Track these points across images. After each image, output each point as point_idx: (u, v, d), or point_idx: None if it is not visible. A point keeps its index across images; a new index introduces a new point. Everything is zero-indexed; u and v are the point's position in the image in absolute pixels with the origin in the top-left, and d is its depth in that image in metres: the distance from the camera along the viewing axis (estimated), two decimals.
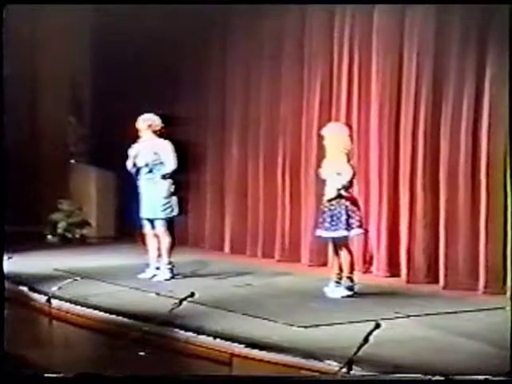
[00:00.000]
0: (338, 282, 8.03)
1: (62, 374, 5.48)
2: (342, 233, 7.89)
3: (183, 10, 10.78)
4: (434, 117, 8.84)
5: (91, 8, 12.26)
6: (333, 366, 5.50)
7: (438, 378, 5.25)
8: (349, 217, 7.87)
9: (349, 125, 8.89)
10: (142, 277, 8.89)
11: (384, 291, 8.38)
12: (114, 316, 7.25)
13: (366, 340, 5.28)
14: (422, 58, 8.92)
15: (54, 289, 7.86)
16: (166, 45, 11.65)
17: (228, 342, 6.23)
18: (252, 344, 6.11)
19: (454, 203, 8.63)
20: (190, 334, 6.53)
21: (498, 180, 8.28)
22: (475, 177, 8.49)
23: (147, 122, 8.93)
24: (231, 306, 7.46)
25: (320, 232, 8.09)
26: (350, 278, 8.01)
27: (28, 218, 11.69)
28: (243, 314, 7.14)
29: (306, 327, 6.66)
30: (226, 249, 11.22)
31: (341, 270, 8.04)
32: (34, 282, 8.51)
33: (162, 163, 8.83)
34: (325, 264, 9.82)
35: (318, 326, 6.72)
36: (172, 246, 8.93)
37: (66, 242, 12.01)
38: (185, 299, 6.86)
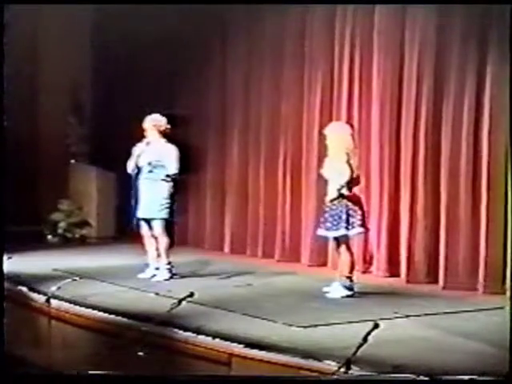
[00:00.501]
0: (341, 281, 8.04)
1: (61, 374, 5.48)
2: (342, 232, 7.90)
3: (183, 10, 10.78)
4: (434, 117, 8.85)
5: (92, 8, 12.27)
6: (332, 366, 5.49)
7: (437, 378, 5.25)
8: (349, 216, 7.87)
9: (351, 124, 8.89)
10: (142, 277, 8.89)
11: (384, 291, 8.38)
12: (113, 316, 7.24)
13: (365, 340, 5.27)
14: (423, 58, 8.93)
15: (54, 289, 7.85)
16: (166, 45, 11.65)
17: (227, 342, 6.22)
18: (251, 344, 6.10)
19: (454, 203, 8.64)
20: (189, 333, 6.52)
21: (498, 181, 8.29)
22: (476, 177, 8.50)
23: (153, 122, 8.93)
24: (230, 305, 7.46)
25: (321, 232, 8.10)
26: (350, 278, 8.01)
27: (28, 218, 11.68)
28: (242, 314, 7.14)
29: (305, 327, 6.66)
30: (226, 249, 11.21)
31: (342, 269, 8.06)
32: (34, 282, 8.50)
33: (163, 166, 8.83)
34: (325, 264, 9.84)
35: (317, 326, 6.71)
36: (170, 247, 8.93)
37: (66, 242, 12.00)
38: (184, 299, 6.84)
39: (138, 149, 8.98)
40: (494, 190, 8.32)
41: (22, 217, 11.14)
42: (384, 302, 7.73)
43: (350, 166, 7.93)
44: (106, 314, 7.32)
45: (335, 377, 5.26)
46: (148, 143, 8.93)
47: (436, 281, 8.74)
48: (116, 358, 6.28)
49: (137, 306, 7.47)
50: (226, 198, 11.26)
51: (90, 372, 5.61)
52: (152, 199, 8.82)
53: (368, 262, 9.52)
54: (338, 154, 7.98)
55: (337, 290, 7.99)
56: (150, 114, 9.05)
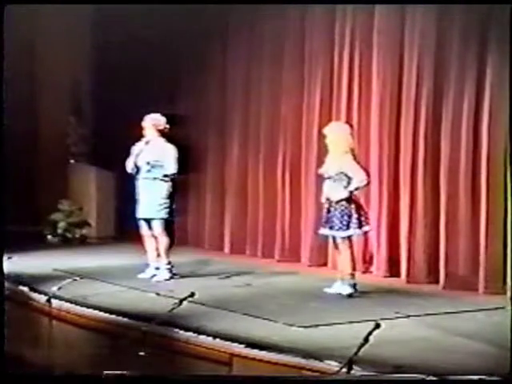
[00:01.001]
0: (343, 280, 8.08)
1: (61, 374, 5.48)
2: (352, 232, 7.99)
3: (183, 10, 10.78)
4: (434, 116, 8.85)
5: (91, 8, 12.26)
6: (333, 366, 5.50)
7: (437, 378, 5.25)
8: (360, 215, 8.01)
9: (350, 124, 8.90)
10: (142, 277, 8.88)
11: (384, 291, 8.39)
12: (113, 316, 7.25)
13: (366, 340, 5.27)
14: (423, 58, 8.93)
15: (54, 289, 7.85)
16: (166, 45, 11.65)
17: (228, 342, 6.23)
18: (252, 344, 6.11)
19: (454, 203, 8.64)
20: (190, 333, 6.52)
21: (498, 180, 8.29)
22: (475, 177, 8.50)
23: (152, 122, 8.94)
24: (231, 306, 7.46)
25: (326, 231, 8.11)
26: (353, 275, 8.07)
27: (28, 218, 11.68)
28: (243, 314, 7.14)
29: (305, 327, 6.66)
30: (226, 249, 11.21)
31: (344, 268, 8.10)
32: (34, 282, 8.50)
33: (162, 166, 8.82)
34: (325, 264, 9.84)
35: (317, 326, 6.72)
36: (170, 247, 8.93)
37: (66, 242, 12.00)
38: (185, 299, 6.85)
39: (137, 148, 8.98)
40: (493, 190, 8.32)
41: (22, 217, 11.13)
42: (384, 302, 7.74)
43: (361, 166, 8.07)
44: (106, 314, 7.32)
45: (336, 377, 5.26)
46: (147, 142, 8.93)
47: (436, 281, 8.74)
48: (117, 357, 6.28)
49: (137, 306, 7.48)
50: (225, 198, 11.26)
51: (91, 372, 5.61)
52: (151, 199, 8.82)
53: (368, 261, 9.52)
54: (339, 154, 8.01)
55: (341, 288, 8.02)
56: (149, 113, 9.05)
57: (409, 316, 7.14)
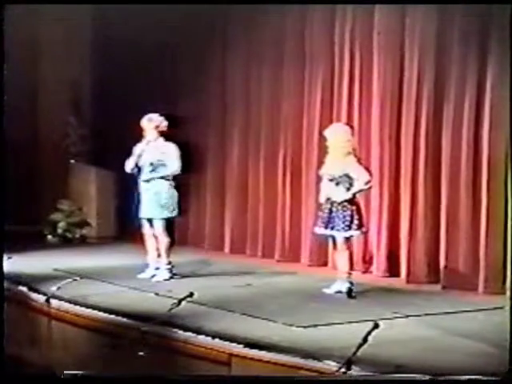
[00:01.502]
0: (341, 279, 8.12)
1: (61, 374, 5.48)
2: (352, 232, 8.05)
3: (183, 10, 10.77)
4: (435, 117, 8.85)
5: (92, 8, 12.26)
6: (332, 366, 5.49)
7: (437, 378, 5.25)
8: (361, 216, 8.10)
9: (350, 125, 8.91)
10: (142, 277, 8.89)
11: (384, 291, 8.39)
12: (113, 316, 7.24)
13: (364, 340, 5.27)
14: (423, 58, 8.93)
15: (54, 289, 7.85)
16: (166, 45, 11.65)
17: (227, 342, 6.22)
18: (251, 344, 6.10)
19: (454, 203, 8.64)
20: (189, 334, 6.52)
21: (498, 181, 8.29)
22: (476, 177, 8.50)
23: (154, 123, 8.93)
24: (230, 306, 7.46)
25: (326, 231, 8.13)
26: (350, 275, 8.12)
27: (28, 218, 11.68)
28: (242, 314, 7.14)
29: (305, 327, 6.66)
30: (226, 249, 11.21)
31: (341, 268, 8.14)
32: (34, 282, 8.50)
33: (165, 165, 8.83)
34: (325, 264, 9.84)
35: (317, 326, 6.72)
36: (170, 247, 8.93)
37: (66, 242, 12.00)
38: (184, 299, 6.85)
39: (138, 149, 8.98)
40: (494, 190, 8.32)
41: (22, 217, 11.13)
42: (384, 302, 7.73)
43: (365, 168, 8.14)
44: (106, 314, 7.32)
45: (335, 377, 5.26)
46: (148, 143, 8.93)
47: (436, 281, 8.74)
48: (116, 358, 6.27)
49: (137, 306, 7.47)
50: (225, 198, 11.26)
51: (91, 372, 5.61)
52: (153, 199, 8.83)
53: (368, 261, 9.52)
54: (340, 156, 8.03)
55: (340, 287, 8.06)
56: (147, 113, 9.06)
57: (408, 316, 7.14)
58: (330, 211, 8.07)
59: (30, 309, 7.94)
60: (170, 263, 8.92)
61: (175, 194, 8.90)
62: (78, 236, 12.20)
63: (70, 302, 7.68)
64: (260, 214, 10.77)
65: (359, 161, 8.17)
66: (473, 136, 8.52)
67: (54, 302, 7.61)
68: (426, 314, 7.22)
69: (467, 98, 8.55)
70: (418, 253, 8.93)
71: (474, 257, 8.45)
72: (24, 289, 8.34)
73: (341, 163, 8.03)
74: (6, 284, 7.52)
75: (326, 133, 8.29)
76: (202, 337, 6.42)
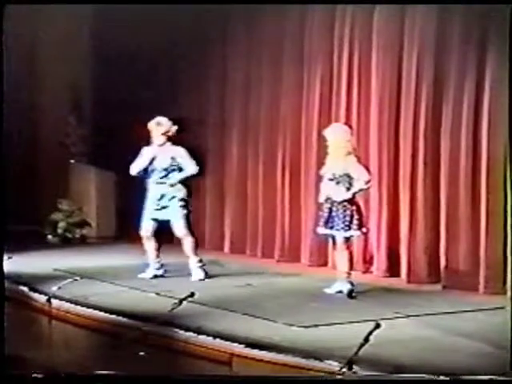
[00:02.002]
0: (341, 279, 8.12)
1: (61, 374, 5.48)
2: (352, 232, 8.05)
3: (183, 10, 10.77)
4: (434, 116, 8.85)
5: (92, 8, 12.25)
6: (333, 366, 5.50)
7: (437, 377, 5.25)
8: (361, 216, 8.11)
9: (349, 124, 8.92)
10: (142, 276, 8.89)
11: (384, 291, 8.39)
12: (113, 316, 7.24)
13: (366, 340, 5.28)
14: (422, 58, 8.93)
15: (54, 289, 7.86)
16: (165, 46, 11.65)
17: (228, 342, 6.22)
18: (252, 344, 6.10)
19: (454, 203, 8.64)
20: (190, 333, 6.52)
21: (498, 180, 8.29)
22: (475, 177, 8.50)
23: (164, 128, 8.91)
24: (231, 305, 7.46)
25: (326, 231, 8.13)
26: (349, 275, 8.13)
27: (28, 218, 11.68)
28: (243, 314, 7.14)
29: (306, 327, 6.66)
30: (226, 249, 11.21)
31: (341, 267, 8.13)
32: (34, 281, 8.50)
33: (180, 169, 8.85)
34: (325, 264, 9.84)
35: (318, 325, 6.72)
36: (196, 245, 8.95)
37: (66, 242, 12.00)
38: (185, 299, 6.86)
39: (147, 153, 8.95)
40: (493, 190, 8.32)
41: (22, 217, 11.13)
42: (384, 302, 7.73)
43: (366, 168, 8.15)
44: (106, 314, 7.32)
45: (337, 377, 5.26)
46: (157, 147, 8.91)
47: (436, 281, 8.74)
48: (117, 357, 6.27)
49: (137, 306, 7.48)
50: (225, 198, 11.26)
51: (91, 372, 5.61)
52: (170, 201, 8.83)
53: (368, 261, 9.52)
54: (341, 156, 8.04)
55: (341, 286, 8.06)
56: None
57: (409, 316, 7.14)
58: (330, 211, 8.07)
59: (31, 309, 7.94)
60: (201, 261, 8.92)
61: (189, 196, 8.95)
62: (78, 236, 12.20)
63: (70, 301, 7.69)
64: (260, 214, 10.76)
65: (359, 160, 8.19)
66: (472, 135, 8.52)
67: (54, 302, 7.63)
68: (427, 314, 7.22)
69: (466, 97, 8.56)
70: (419, 253, 8.93)
71: (474, 257, 8.45)
72: (24, 289, 8.34)
73: (341, 163, 8.05)
74: (6, 284, 7.50)
75: (326, 133, 8.29)
76: (202, 337, 6.42)
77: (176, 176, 8.88)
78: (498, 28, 7.96)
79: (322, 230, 8.22)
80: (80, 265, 9.63)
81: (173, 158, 8.88)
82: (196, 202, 11.51)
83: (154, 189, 8.95)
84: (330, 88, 10.00)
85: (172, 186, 8.88)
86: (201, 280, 8.79)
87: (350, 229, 8.01)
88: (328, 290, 8.14)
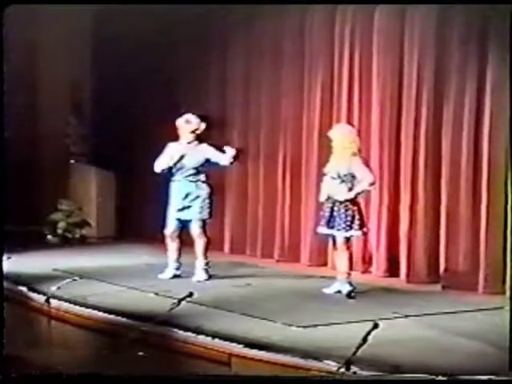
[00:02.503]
0: (341, 280, 8.12)
1: (61, 374, 5.48)
2: (353, 232, 8.06)
3: (183, 10, 10.76)
4: (435, 117, 8.85)
5: (92, 8, 12.24)
6: (331, 366, 5.50)
7: (437, 378, 5.25)
8: (362, 216, 8.11)
9: (353, 125, 8.92)
10: (162, 277, 8.86)
11: (383, 291, 8.39)
12: (113, 316, 7.25)
13: (364, 340, 5.27)
14: (423, 59, 8.93)
15: (54, 289, 7.86)
16: (165, 45, 11.64)
17: (227, 342, 6.23)
18: (251, 344, 6.11)
19: (454, 203, 8.65)
20: (188, 333, 6.52)
21: (498, 181, 8.29)
22: (476, 177, 8.50)
23: (193, 126, 8.91)
24: (230, 305, 7.46)
25: (327, 230, 8.13)
26: (349, 275, 8.12)
27: (28, 218, 11.68)
28: (242, 314, 7.14)
29: (304, 327, 6.66)
30: (226, 249, 11.21)
31: (341, 267, 8.13)
32: (34, 281, 8.50)
33: (207, 167, 8.87)
34: (325, 264, 9.83)
35: (316, 326, 6.72)
36: (207, 247, 8.94)
37: (66, 242, 12.00)
38: (183, 299, 6.86)
39: (175, 150, 8.91)
40: (494, 190, 8.32)
41: (22, 217, 11.13)
42: (384, 302, 7.73)
43: (370, 169, 8.17)
44: (105, 314, 7.32)
45: (335, 377, 5.26)
46: (186, 145, 8.89)
47: (436, 281, 8.74)
48: (116, 357, 6.27)
49: (137, 306, 7.48)
50: (225, 198, 11.25)
51: (90, 372, 5.61)
52: (194, 201, 8.83)
53: (368, 261, 9.51)
54: (346, 156, 8.03)
55: (340, 287, 8.05)
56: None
57: (408, 316, 7.14)
58: (332, 210, 8.07)
59: (30, 309, 7.94)
60: (207, 264, 8.92)
61: (212, 196, 8.94)
62: (77, 236, 12.19)
63: (69, 301, 7.69)
64: (260, 214, 10.76)
65: (364, 162, 8.18)
66: (473, 136, 8.52)
67: (53, 302, 7.63)
68: (426, 314, 7.22)
69: (467, 98, 8.56)
70: (418, 253, 8.93)
71: (473, 257, 8.45)
72: (24, 289, 8.34)
73: (346, 162, 8.03)
74: (5, 284, 7.51)
75: (331, 133, 8.28)
76: (201, 337, 6.43)
77: (201, 175, 8.87)
78: (499, 28, 7.96)
79: (323, 230, 8.21)
80: (80, 265, 9.63)
81: (204, 156, 8.85)
82: None
83: (179, 187, 8.91)
84: (330, 88, 9.99)
85: (197, 185, 8.84)
86: (200, 281, 8.78)
87: (351, 229, 8.01)
88: (327, 290, 8.14)
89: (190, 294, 6.78)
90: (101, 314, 7.36)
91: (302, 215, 10.27)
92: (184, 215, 8.88)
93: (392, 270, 9.25)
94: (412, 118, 9.04)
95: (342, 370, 5.24)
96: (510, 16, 7.23)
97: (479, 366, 5.55)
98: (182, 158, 8.85)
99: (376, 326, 5.31)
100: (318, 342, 6.15)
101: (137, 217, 11.92)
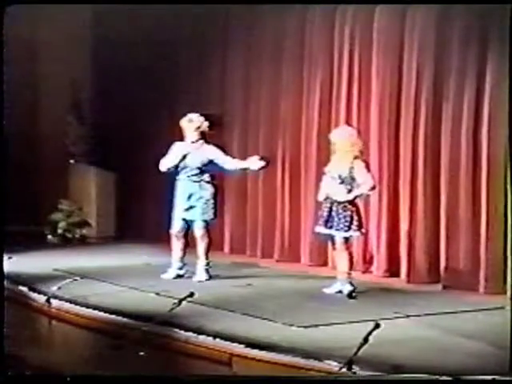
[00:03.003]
0: (342, 280, 8.12)
1: (61, 374, 5.48)
2: (352, 233, 8.06)
3: (183, 10, 10.77)
4: (434, 117, 8.86)
5: (92, 8, 12.25)
6: (332, 366, 5.50)
7: (437, 378, 5.25)
8: (360, 217, 8.11)
9: (353, 126, 8.93)
10: (165, 277, 8.86)
11: (384, 291, 8.39)
12: (113, 316, 7.25)
13: (365, 340, 5.28)
14: (423, 58, 8.93)
15: (54, 289, 7.86)
16: (166, 45, 11.65)
17: (228, 342, 6.23)
18: (252, 344, 6.11)
19: (454, 203, 8.65)
20: (189, 333, 6.52)
21: (498, 180, 8.29)
22: (476, 177, 8.50)
23: (195, 124, 8.89)
24: (231, 305, 7.46)
25: (326, 230, 8.13)
26: (349, 275, 8.13)
27: (28, 218, 11.68)
28: (243, 314, 7.13)
29: (305, 327, 6.66)
30: (226, 249, 11.21)
31: (341, 267, 8.14)
32: (34, 281, 8.50)
33: (211, 168, 8.83)
34: (325, 264, 9.84)
35: (317, 326, 6.71)
36: (209, 248, 8.94)
37: (66, 242, 12.00)
38: (184, 299, 6.86)
39: (179, 149, 8.90)
40: (493, 190, 8.32)
41: (22, 217, 11.13)
42: (384, 302, 7.74)
43: (371, 174, 8.15)
44: (106, 314, 7.32)
45: (336, 377, 5.26)
46: (190, 144, 8.88)
47: (436, 281, 8.74)
48: (116, 357, 6.27)
49: (137, 306, 7.47)
50: (225, 199, 11.24)
51: (91, 372, 5.61)
52: (197, 201, 8.82)
53: (368, 261, 9.52)
54: (349, 158, 8.02)
55: (341, 287, 8.06)
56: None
57: (408, 316, 7.14)
58: (330, 210, 8.07)
59: (31, 309, 7.94)
60: (208, 264, 8.92)
61: (216, 197, 8.93)
62: (77, 236, 12.20)
63: (70, 301, 7.69)
64: (259, 214, 10.76)
65: (367, 166, 8.15)
66: (472, 136, 8.53)
67: (54, 302, 7.63)
68: (427, 314, 7.22)
69: (466, 98, 8.56)
70: (419, 253, 8.93)
71: (474, 256, 8.46)
72: (24, 289, 8.34)
73: (348, 165, 8.02)
74: (6, 284, 7.51)
75: (332, 136, 8.27)
76: (202, 337, 6.43)
77: (205, 175, 8.84)
78: (498, 28, 7.96)
79: (321, 230, 8.22)
80: (80, 265, 9.63)
81: (208, 156, 8.83)
82: None
83: (183, 187, 8.90)
84: (330, 88, 9.99)
85: (200, 185, 8.82)
86: (200, 282, 8.78)
87: (349, 229, 8.01)
88: (327, 290, 8.14)
89: (191, 294, 6.78)
90: (101, 314, 7.36)
91: (301, 215, 10.27)
92: (188, 215, 8.88)
93: (393, 269, 9.26)
94: (411, 118, 9.04)
95: (343, 369, 5.24)
96: (509, 16, 7.25)
97: (479, 366, 5.55)
98: (185, 157, 8.84)
99: (378, 325, 5.32)
100: (319, 342, 6.15)
101: (137, 217, 11.93)
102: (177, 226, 8.95)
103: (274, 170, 10.55)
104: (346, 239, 8.08)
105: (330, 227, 8.06)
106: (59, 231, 12.09)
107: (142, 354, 6.20)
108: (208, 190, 8.85)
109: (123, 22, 11.46)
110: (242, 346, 6.13)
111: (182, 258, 8.99)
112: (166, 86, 11.66)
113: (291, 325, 6.71)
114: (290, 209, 10.39)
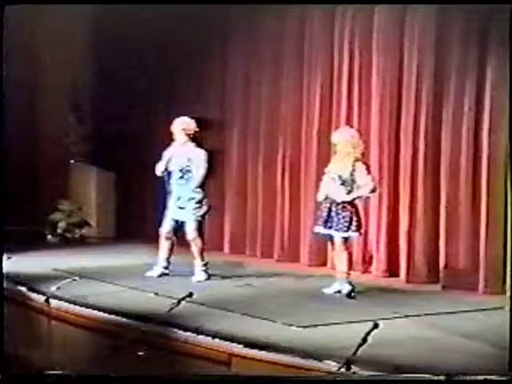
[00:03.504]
0: (341, 280, 8.11)
1: (61, 374, 5.48)
2: (351, 233, 8.06)
3: (183, 10, 10.76)
4: (434, 116, 8.86)
5: (92, 8, 12.25)
6: (331, 365, 5.50)
7: (437, 378, 5.25)
8: (359, 218, 8.12)
9: (358, 129, 8.93)
10: (150, 275, 8.90)
11: (383, 291, 8.39)
12: (113, 316, 7.25)
13: (364, 340, 5.27)
14: (423, 58, 8.93)
15: (53, 289, 7.85)
16: (166, 45, 11.64)
17: (227, 342, 6.24)
18: (251, 344, 6.11)
19: (454, 203, 8.65)
20: (189, 333, 6.53)
21: (498, 180, 8.30)
22: (476, 177, 8.51)
23: (182, 126, 8.93)
24: (230, 305, 7.46)
25: (325, 230, 8.13)
26: (348, 275, 8.12)
27: (28, 218, 11.67)
28: (242, 314, 7.14)
29: (304, 327, 6.66)
30: (226, 249, 11.21)
31: (340, 268, 8.12)
32: (34, 281, 8.49)
33: (190, 171, 8.85)
34: (324, 264, 9.83)
35: (316, 326, 6.72)
36: (203, 248, 8.95)
37: (66, 242, 12.00)
38: (183, 299, 6.85)
39: (168, 153, 8.96)
40: (493, 190, 8.33)
41: (22, 217, 11.13)
42: (384, 302, 7.73)
43: (372, 176, 8.15)
44: (105, 314, 7.33)
45: (335, 377, 5.26)
46: (177, 147, 8.91)
47: (436, 281, 8.74)
48: (116, 357, 6.27)
49: (137, 306, 7.47)
50: (225, 199, 11.25)
51: (90, 372, 5.61)
52: (185, 203, 8.83)
53: (367, 261, 9.51)
54: (350, 159, 8.03)
55: (340, 287, 8.05)
56: (177, 117, 9.04)
57: (408, 316, 7.15)
58: (330, 210, 8.07)
59: (30, 309, 7.94)
60: (206, 264, 8.92)
61: (205, 197, 8.94)
62: (77, 236, 12.19)
63: (69, 301, 7.69)
64: (259, 214, 10.76)
65: (368, 168, 8.15)
66: (472, 136, 8.53)
67: (53, 302, 7.61)
68: (426, 314, 7.23)
69: (467, 97, 8.56)
70: (418, 253, 8.93)
71: (473, 256, 8.46)
72: (24, 289, 8.34)
73: (349, 166, 8.02)
74: (5, 284, 7.51)
75: (334, 138, 8.26)
76: (201, 337, 6.43)
77: (190, 178, 8.86)
78: (499, 28, 7.97)
79: (320, 230, 8.21)
80: (80, 265, 9.62)
81: (189, 159, 8.86)
82: None
83: (172, 189, 8.95)
84: (330, 88, 9.99)
85: (187, 186, 8.85)
86: (199, 282, 8.78)
87: (348, 230, 8.01)
88: (326, 290, 8.14)
89: (190, 294, 6.76)
90: (101, 314, 7.36)
91: (301, 215, 10.27)
92: (179, 216, 8.90)
93: (392, 269, 9.25)
94: (411, 118, 9.05)
95: (342, 369, 5.23)
96: (510, 16, 7.25)
97: (479, 366, 5.56)
98: (170, 159, 8.88)
99: (376, 325, 5.30)
100: (318, 342, 6.15)
101: (137, 217, 11.92)
102: (167, 227, 8.98)
103: (274, 170, 10.56)
104: (345, 239, 8.08)
105: (330, 227, 8.07)
106: (59, 231, 12.08)
107: (141, 353, 6.19)
108: (197, 193, 8.87)
109: (123, 22, 11.44)
110: (241, 345, 6.13)
111: (168, 258, 9.03)
112: (167, 86, 11.66)
113: (290, 325, 6.72)
114: (290, 208, 10.38)
